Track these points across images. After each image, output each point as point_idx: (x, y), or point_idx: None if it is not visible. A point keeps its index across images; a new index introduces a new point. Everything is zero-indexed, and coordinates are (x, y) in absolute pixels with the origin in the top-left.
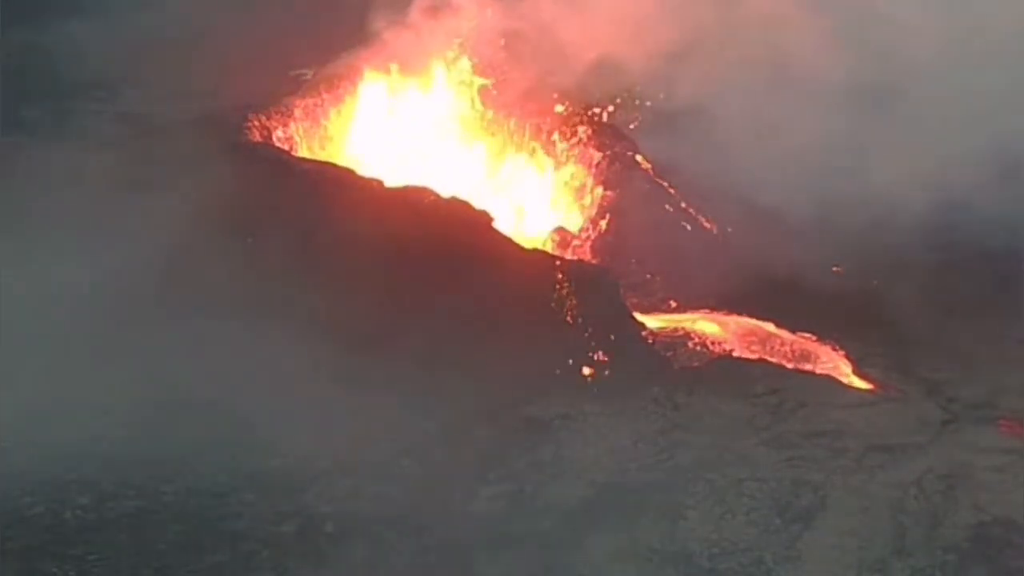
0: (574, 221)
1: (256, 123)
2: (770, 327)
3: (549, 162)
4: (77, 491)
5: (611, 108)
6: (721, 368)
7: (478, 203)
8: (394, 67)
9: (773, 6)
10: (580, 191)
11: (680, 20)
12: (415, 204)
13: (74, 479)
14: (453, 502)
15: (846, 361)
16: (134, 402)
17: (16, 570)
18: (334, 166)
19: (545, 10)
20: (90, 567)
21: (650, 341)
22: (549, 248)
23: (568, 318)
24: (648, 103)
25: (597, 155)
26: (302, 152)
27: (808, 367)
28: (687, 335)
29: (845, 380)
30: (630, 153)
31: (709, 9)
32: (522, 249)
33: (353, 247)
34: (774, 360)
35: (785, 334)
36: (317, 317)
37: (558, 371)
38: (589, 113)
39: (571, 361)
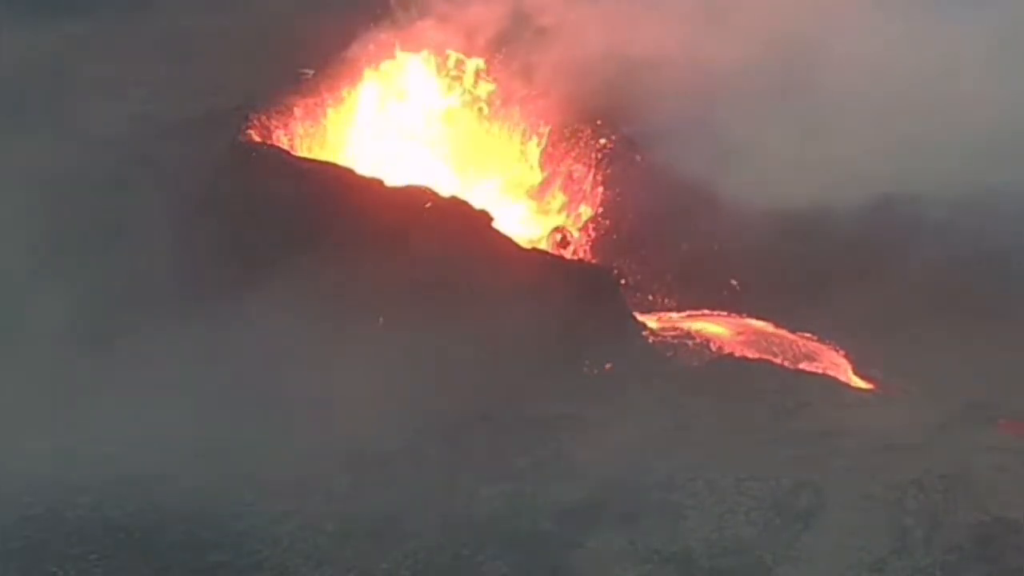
0: (574, 221)
1: (256, 123)
2: (770, 327)
3: (550, 162)
4: (78, 492)
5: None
6: (721, 368)
7: (478, 203)
8: (395, 66)
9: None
10: (580, 191)
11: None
12: (415, 204)
13: (75, 480)
14: (453, 502)
15: (846, 361)
16: (133, 402)
17: (17, 569)
18: (334, 166)
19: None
20: (91, 567)
21: (650, 341)
22: (549, 248)
23: (568, 318)
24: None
25: (597, 155)
26: (302, 152)
27: (808, 367)
28: (687, 335)
29: (845, 380)
30: (630, 153)
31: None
32: (522, 249)
33: (352, 246)
34: (774, 360)
35: (785, 334)
36: (316, 317)
37: (558, 371)
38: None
39: (571, 361)
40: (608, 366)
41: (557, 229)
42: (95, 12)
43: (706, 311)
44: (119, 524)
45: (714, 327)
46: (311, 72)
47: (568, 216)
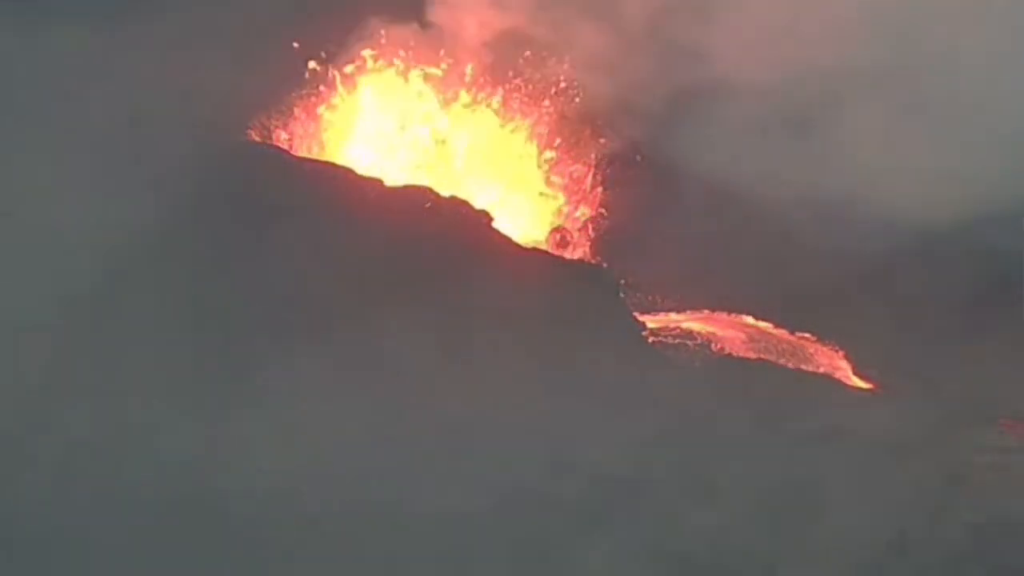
0: (574, 221)
1: (256, 123)
2: (770, 327)
3: (549, 162)
4: (79, 494)
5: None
6: (721, 368)
7: (478, 203)
8: (394, 67)
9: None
10: (580, 191)
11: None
12: (415, 204)
13: (76, 481)
14: (453, 501)
15: (846, 361)
16: (131, 403)
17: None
18: (334, 166)
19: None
20: (92, 567)
21: (650, 341)
22: (549, 248)
23: (568, 318)
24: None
25: (597, 155)
26: (302, 152)
27: (808, 367)
28: (687, 335)
29: (845, 380)
30: (630, 153)
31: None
32: (522, 249)
33: (352, 247)
34: (774, 360)
35: (785, 334)
36: (315, 318)
37: (557, 371)
38: (591, 114)
39: (571, 361)
40: (608, 366)
41: (557, 229)
42: (95, 12)
43: (706, 311)
44: (121, 525)
45: (714, 327)
46: (311, 72)
47: (568, 216)
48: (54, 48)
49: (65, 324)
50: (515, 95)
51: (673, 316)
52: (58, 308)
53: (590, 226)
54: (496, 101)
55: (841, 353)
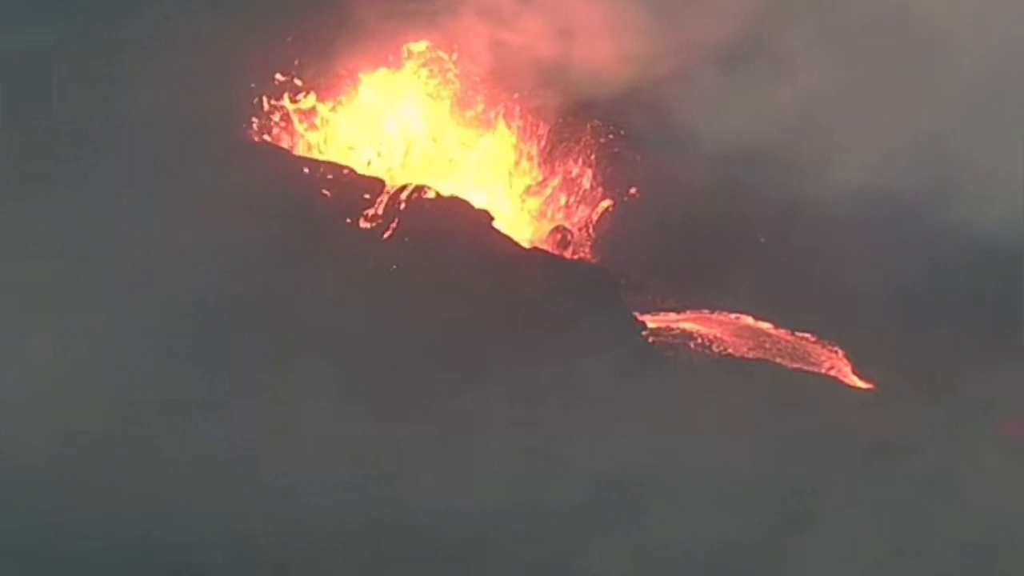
0: (574, 221)
1: (256, 123)
2: (770, 327)
3: (549, 162)
4: (80, 496)
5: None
6: (721, 368)
7: (478, 203)
8: (392, 68)
9: None
10: (580, 191)
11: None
12: (415, 204)
13: (77, 484)
14: (453, 502)
15: (846, 361)
16: (131, 409)
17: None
18: (334, 166)
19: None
20: (93, 572)
21: (650, 341)
22: (549, 248)
23: (568, 318)
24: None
25: (597, 155)
26: (302, 152)
27: (808, 367)
28: (687, 335)
29: (845, 380)
30: (630, 153)
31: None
32: (522, 249)
33: (352, 247)
34: (774, 360)
35: (785, 334)
36: (315, 319)
37: (558, 371)
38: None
39: (571, 361)
40: (608, 367)
41: (557, 229)
42: (95, 13)
43: (706, 311)
44: (120, 527)
45: (714, 327)
46: (309, 73)
47: (568, 216)
48: (51, 48)
49: (66, 324)
50: (515, 96)
51: (673, 316)
52: (57, 308)
53: (590, 226)
54: (499, 100)
55: (841, 353)
